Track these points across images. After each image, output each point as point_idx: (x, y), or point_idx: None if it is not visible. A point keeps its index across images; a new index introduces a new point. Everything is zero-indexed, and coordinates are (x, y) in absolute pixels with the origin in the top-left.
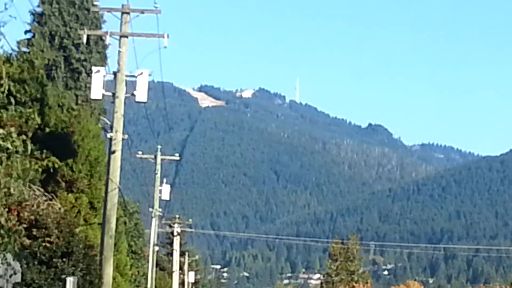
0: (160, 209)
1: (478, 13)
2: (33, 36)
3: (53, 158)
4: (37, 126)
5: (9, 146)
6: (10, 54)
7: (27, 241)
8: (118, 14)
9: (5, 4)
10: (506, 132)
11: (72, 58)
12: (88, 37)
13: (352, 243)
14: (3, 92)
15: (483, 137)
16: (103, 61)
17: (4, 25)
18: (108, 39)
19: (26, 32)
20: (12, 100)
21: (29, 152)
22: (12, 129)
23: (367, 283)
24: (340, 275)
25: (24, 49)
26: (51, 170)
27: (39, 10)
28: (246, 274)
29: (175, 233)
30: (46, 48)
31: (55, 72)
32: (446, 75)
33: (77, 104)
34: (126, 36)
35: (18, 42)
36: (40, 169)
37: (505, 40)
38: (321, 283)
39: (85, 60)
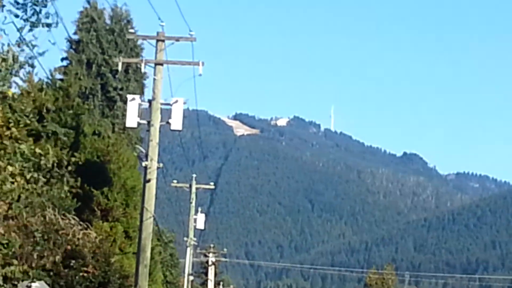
0: (195, 238)
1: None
2: (70, 64)
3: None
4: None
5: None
6: (45, 82)
7: (64, 271)
8: (153, 41)
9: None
10: None
11: (109, 86)
12: (127, 65)
13: (387, 273)
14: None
15: None
16: (140, 90)
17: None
18: (143, 67)
19: (62, 59)
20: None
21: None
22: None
23: None
24: None
25: (59, 76)
26: (86, 198)
27: (75, 37)
28: None
29: (209, 263)
30: (83, 76)
31: (92, 100)
32: (481, 104)
33: (113, 132)
34: (161, 64)
35: (52, 70)
36: (74, 197)
37: None
38: None
39: (122, 88)
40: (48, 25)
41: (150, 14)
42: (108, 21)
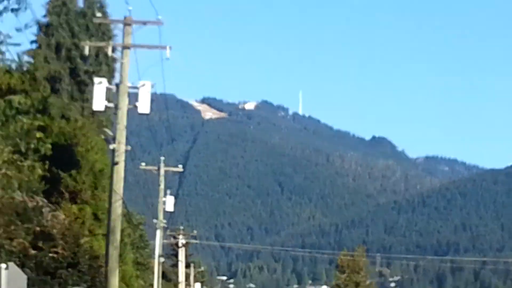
0: (165, 221)
1: (484, 26)
2: (39, 47)
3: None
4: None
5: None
6: (12, 65)
7: (33, 252)
8: (121, 26)
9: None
10: (511, 145)
11: (80, 70)
12: (98, 49)
13: (358, 255)
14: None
15: (487, 149)
16: (111, 74)
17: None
18: (110, 51)
19: (31, 42)
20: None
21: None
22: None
23: None
24: (348, 287)
25: (29, 59)
26: (54, 181)
27: (45, 20)
28: (252, 285)
29: (179, 245)
30: (52, 60)
31: (60, 84)
32: (451, 88)
33: (83, 116)
34: (129, 48)
35: (21, 54)
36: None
37: (510, 52)
38: None
39: (93, 72)
40: (16, 10)
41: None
42: (81, 5)
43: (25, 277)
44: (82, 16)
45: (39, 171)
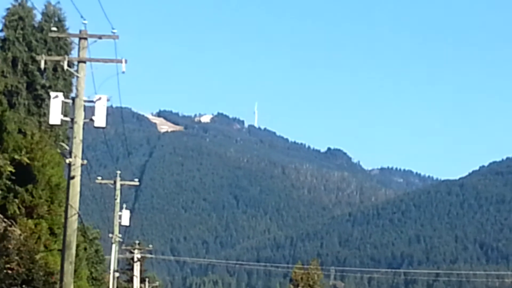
0: (120, 235)
1: (439, 33)
2: None
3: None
4: None
5: None
6: None
7: None
8: (76, 39)
9: None
10: (464, 156)
11: (37, 84)
12: (56, 63)
13: (313, 268)
14: None
15: (442, 161)
16: (68, 88)
17: None
18: (65, 65)
19: None
20: None
21: None
22: None
23: None
24: None
25: None
26: (11, 195)
27: (1, 35)
28: None
29: (135, 259)
30: (8, 74)
31: (16, 99)
32: (405, 99)
33: (40, 130)
34: (84, 62)
35: None
36: None
37: (461, 60)
38: None
39: (50, 86)
40: None
41: (76, 13)
42: (39, 19)
43: None
44: (40, 30)
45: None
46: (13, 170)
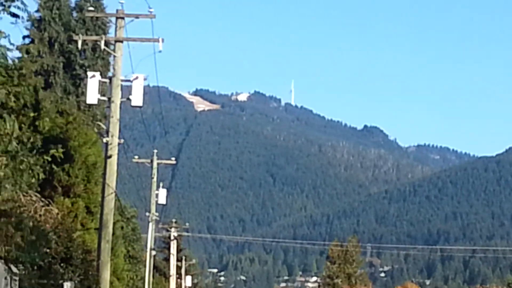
0: (157, 214)
1: (477, 14)
2: (32, 42)
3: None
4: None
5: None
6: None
7: (26, 249)
8: (113, 19)
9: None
10: (501, 132)
11: (76, 64)
12: (95, 43)
13: (351, 246)
14: None
15: (478, 137)
16: (106, 67)
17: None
18: (102, 44)
19: (24, 37)
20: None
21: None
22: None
23: (365, 285)
24: (339, 278)
25: (19, 55)
26: (47, 175)
27: (37, 15)
28: (243, 277)
29: (172, 237)
30: (45, 54)
31: (54, 78)
32: (441, 76)
33: (78, 110)
34: (121, 41)
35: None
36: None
37: (500, 41)
38: (319, 286)
39: (88, 66)
40: (15, 16)
41: None
42: None
43: (17, 272)
44: (79, 10)
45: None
46: (49, 159)
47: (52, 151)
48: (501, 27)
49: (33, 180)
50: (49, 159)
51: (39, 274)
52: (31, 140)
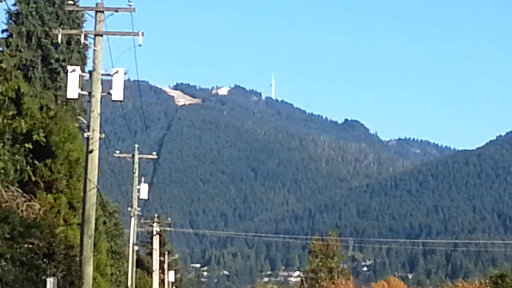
0: (139, 209)
1: (461, 4)
2: (10, 36)
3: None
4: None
5: None
6: None
7: (8, 243)
8: (93, 13)
9: None
10: (481, 126)
11: (51, 58)
12: (69, 37)
13: (332, 240)
14: None
15: (459, 131)
16: (82, 61)
17: None
18: (82, 38)
19: (2, 31)
20: None
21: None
22: None
23: (348, 279)
24: (321, 272)
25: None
26: (30, 171)
27: (14, 9)
28: (226, 272)
29: (154, 232)
30: (23, 48)
31: (32, 73)
32: (422, 70)
33: (56, 104)
34: (101, 35)
35: None
36: (17, 170)
37: (479, 34)
38: (302, 280)
39: (64, 60)
40: None
41: None
42: None
43: None
44: (52, 4)
45: (20, 162)
46: (31, 147)
47: (34, 136)
48: (486, 19)
49: (14, 174)
50: (31, 146)
51: (22, 270)
52: (13, 128)
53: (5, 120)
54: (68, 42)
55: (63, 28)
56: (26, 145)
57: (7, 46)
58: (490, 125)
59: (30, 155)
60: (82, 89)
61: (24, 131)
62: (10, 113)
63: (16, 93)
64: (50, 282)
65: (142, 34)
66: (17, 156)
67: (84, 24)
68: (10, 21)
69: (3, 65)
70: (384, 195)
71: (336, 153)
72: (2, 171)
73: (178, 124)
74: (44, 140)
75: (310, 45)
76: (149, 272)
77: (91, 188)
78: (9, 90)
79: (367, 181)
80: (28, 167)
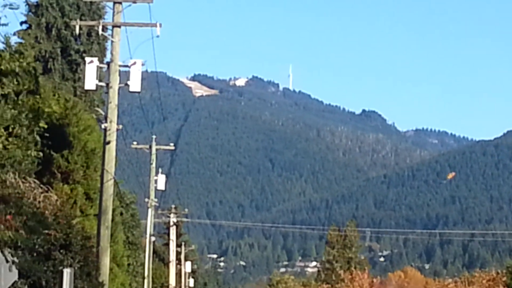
0: (156, 200)
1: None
2: (29, 27)
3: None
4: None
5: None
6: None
7: (25, 234)
8: (111, 4)
9: None
10: (499, 116)
11: (71, 50)
12: (90, 28)
13: (350, 230)
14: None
15: (477, 121)
16: (102, 53)
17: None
18: (100, 30)
19: (21, 23)
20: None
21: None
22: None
23: (365, 270)
24: (338, 263)
25: (19, 40)
26: (46, 162)
27: (34, 0)
28: (242, 263)
29: (171, 223)
30: (43, 40)
31: (52, 64)
32: (439, 60)
33: (75, 95)
34: (119, 26)
35: (11, 34)
36: (35, 159)
37: (499, 23)
38: (319, 270)
39: (84, 51)
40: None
41: None
42: None
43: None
44: None
45: (33, 152)
46: (46, 126)
47: (41, 124)
48: (506, 6)
49: (31, 166)
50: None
51: (39, 261)
52: (32, 123)
53: (23, 110)
54: (88, 34)
55: (83, 20)
56: (37, 130)
57: (24, 38)
58: (508, 115)
59: (47, 145)
60: (100, 81)
61: (41, 123)
62: (30, 100)
63: (34, 83)
64: (67, 273)
65: (160, 25)
66: (32, 146)
67: (106, 16)
68: (30, 13)
69: (26, 53)
70: (401, 186)
71: (354, 144)
72: (16, 162)
73: (196, 115)
74: (45, 126)
75: (327, 36)
76: (166, 263)
77: (108, 179)
78: (28, 81)
79: (384, 172)
80: (43, 157)
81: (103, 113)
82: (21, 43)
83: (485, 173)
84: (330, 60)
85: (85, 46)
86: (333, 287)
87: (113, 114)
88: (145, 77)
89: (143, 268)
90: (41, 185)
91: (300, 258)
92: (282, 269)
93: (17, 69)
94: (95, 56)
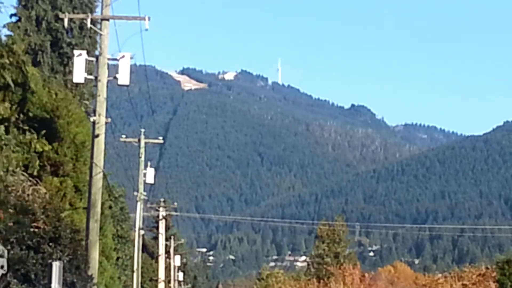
0: (145, 193)
1: None
2: (19, 20)
3: (40, 141)
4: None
5: None
6: None
7: (14, 227)
8: None
9: None
10: (489, 111)
11: (63, 43)
12: (82, 21)
13: (338, 225)
14: None
15: (466, 116)
16: (93, 46)
17: None
18: (89, 23)
19: (11, 15)
20: None
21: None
22: None
23: (354, 264)
24: (327, 257)
25: (8, 33)
26: (36, 154)
27: None
28: (232, 257)
29: (160, 217)
30: (32, 32)
31: (41, 57)
32: (429, 55)
33: (66, 88)
34: (108, 19)
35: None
36: (30, 155)
37: (487, 19)
38: (308, 265)
39: (76, 44)
40: None
41: None
42: None
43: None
44: None
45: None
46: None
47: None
48: (493, 5)
49: (21, 159)
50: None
51: (28, 253)
52: (20, 119)
53: (11, 104)
54: (80, 27)
55: (74, 13)
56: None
57: (13, 31)
58: (497, 111)
59: (38, 139)
60: (90, 74)
61: (33, 110)
62: (19, 93)
63: (23, 77)
64: (56, 266)
65: (149, 18)
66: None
67: (97, 10)
68: (20, 6)
69: (15, 47)
70: (390, 181)
71: (343, 138)
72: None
73: (184, 108)
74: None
75: (316, 30)
76: (155, 256)
77: (97, 173)
78: (16, 74)
79: (374, 167)
80: (34, 153)
81: (92, 106)
82: (10, 35)
83: (474, 168)
84: (319, 54)
85: (77, 39)
86: (323, 282)
87: (101, 107)
88: (133, 70)
89: (132, 262)
90: (30, 178)
91: (289, 252)
92: (272, 263)
93: (5, 62)
94: (86, 50)
